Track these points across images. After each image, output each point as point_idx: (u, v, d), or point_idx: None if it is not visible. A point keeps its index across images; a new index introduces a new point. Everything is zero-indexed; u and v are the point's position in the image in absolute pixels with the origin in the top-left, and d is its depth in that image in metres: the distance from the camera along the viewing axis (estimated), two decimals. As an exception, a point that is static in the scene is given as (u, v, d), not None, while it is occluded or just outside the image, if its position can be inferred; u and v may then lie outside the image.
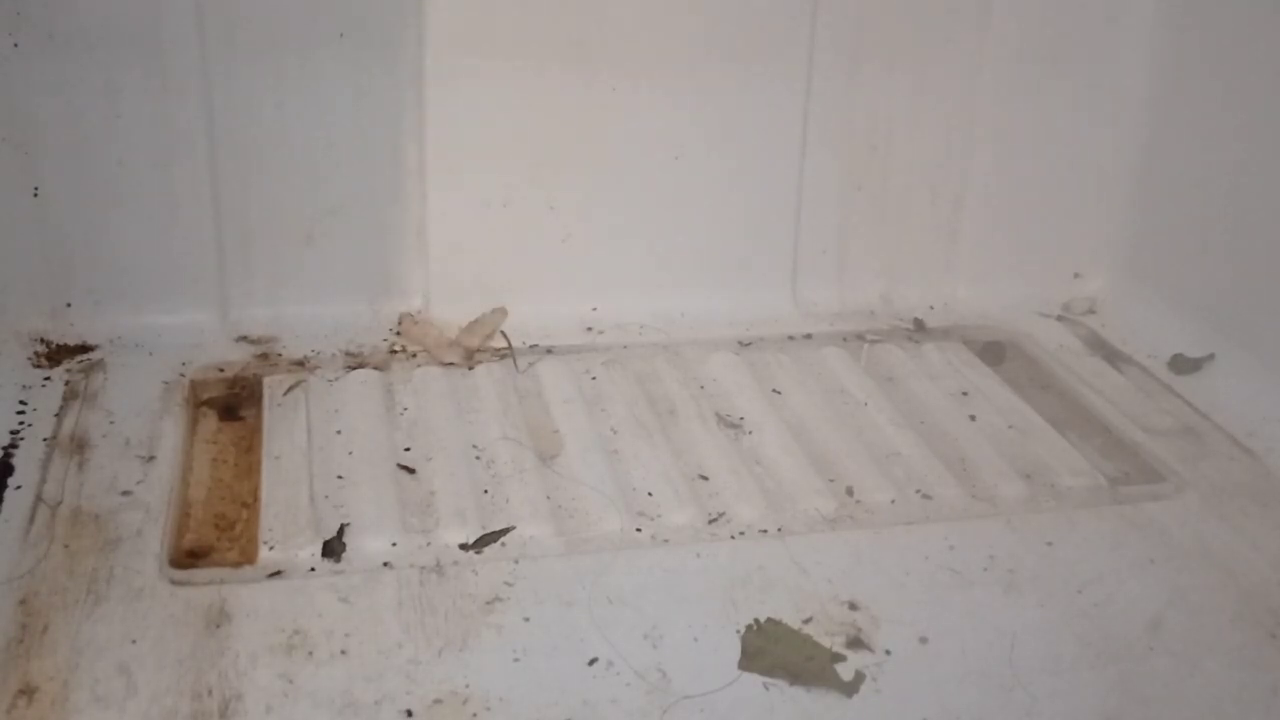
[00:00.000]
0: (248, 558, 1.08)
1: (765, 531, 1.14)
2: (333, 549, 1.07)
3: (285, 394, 1.31)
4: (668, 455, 1.25)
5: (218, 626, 0.96)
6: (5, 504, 1.10)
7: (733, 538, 1.13)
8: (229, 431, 1.29)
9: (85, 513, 1.09)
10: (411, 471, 1.21)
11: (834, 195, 1.57)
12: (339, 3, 1.36)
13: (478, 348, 1.44)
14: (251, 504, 1.16)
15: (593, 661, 0.95)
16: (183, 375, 1.34)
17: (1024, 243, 1.64)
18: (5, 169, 1.33)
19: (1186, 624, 1.04)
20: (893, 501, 1.20)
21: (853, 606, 1.03)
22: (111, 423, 1.24)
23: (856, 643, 0.99)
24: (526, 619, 1.00)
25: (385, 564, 1.06)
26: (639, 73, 1.46)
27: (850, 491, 1.21)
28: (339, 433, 1.25)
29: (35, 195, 1.35)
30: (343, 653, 0.95)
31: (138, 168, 1.37)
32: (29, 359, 1.34)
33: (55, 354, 1.36)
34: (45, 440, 1.20)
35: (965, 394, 1.42)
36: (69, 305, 1.40)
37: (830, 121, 1.54)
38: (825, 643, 0.98)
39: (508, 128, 1.45)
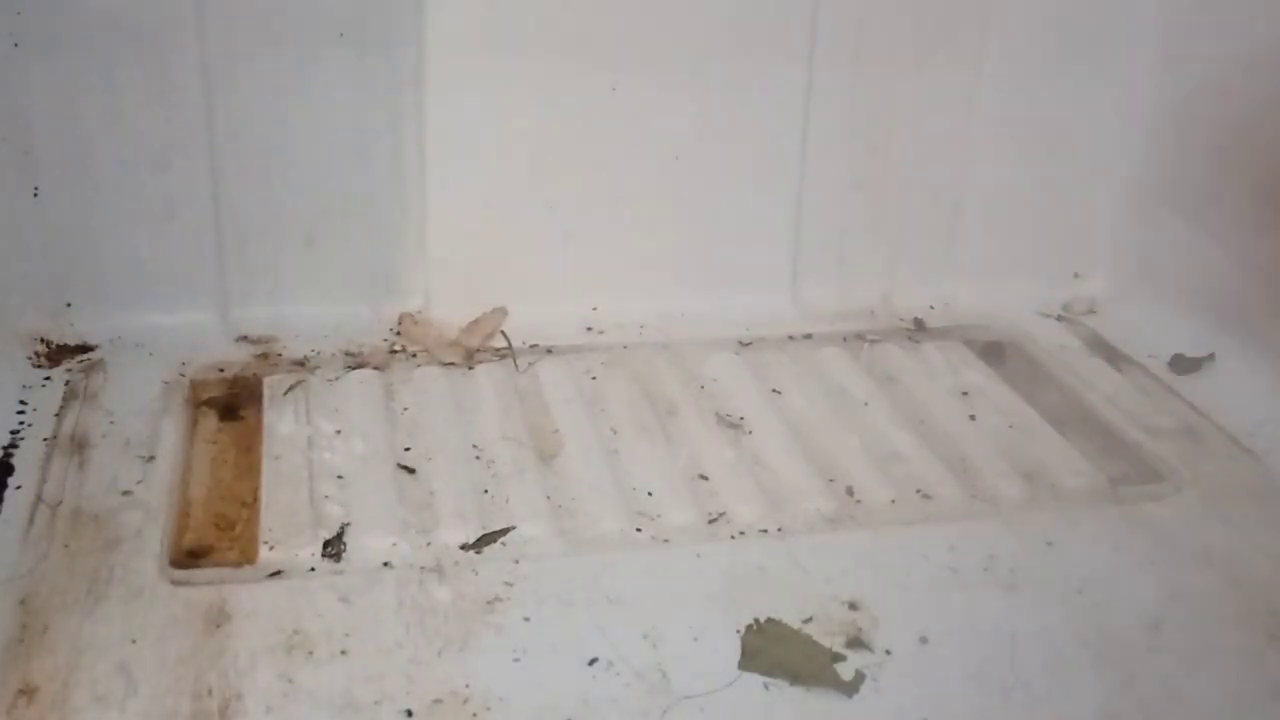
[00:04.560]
0: (248, 558, 1.08)
1: (765, 531, 1.14)
2: (333, 549, 1.07)
3: (285, 394, 1.31)
4: (668, 455, 1.25)
5: (218, 626, 0.96)
6: (5, 504, 1.10)
7: (733, 538, 1.13)
8: (229, 431, 1.29)
9: (85, 513, 1.09)
10: (411, 471, 1.21)
11: (834, 195, 1.57)
12: (339, 3, 1.35)
13: (478, 348, 1.44)
14: (251, 504, 1.16)
15: (593, 661, 0.95)
16: (183, 375, 1.34)
17: (1024, 243, 1.64)
18: (5, 169, 1.33)
19: (1186, 624, 1.04)
20: (893, 501, 1.20)
21: (853, 606, 1.03)
22: (111, 423, 1.24)
23: (856, 643, 0.99)
24: (526, 619, 1.00)
25: (385, 564, 1.06)
26: (639, 72, 1.46)
27: (850, 491, 1.21)
28: (339, 433, 1.25)
29: (35, 195, 1.35)
30: (343, 653, 0.95)
31: (138, 168, 1.37)
32: (29, 359, 1.34)
33: (55, 354, 1.36)
34: (45, 440, 1.20)
35: (965, 394, 1.42)
36: (69, 305, 1.40)
37: (830, 121, 1.53)
38: (825, 643, 0.98)
39: (508, 127, 1.45)
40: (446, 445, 1.24)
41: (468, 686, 0.92)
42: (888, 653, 0.98)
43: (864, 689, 0.94)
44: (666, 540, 1.12)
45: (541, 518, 1.13)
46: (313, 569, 1.05)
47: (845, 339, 1.53)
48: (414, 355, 1.43)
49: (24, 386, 1.29)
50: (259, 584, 1.03)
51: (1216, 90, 1.48)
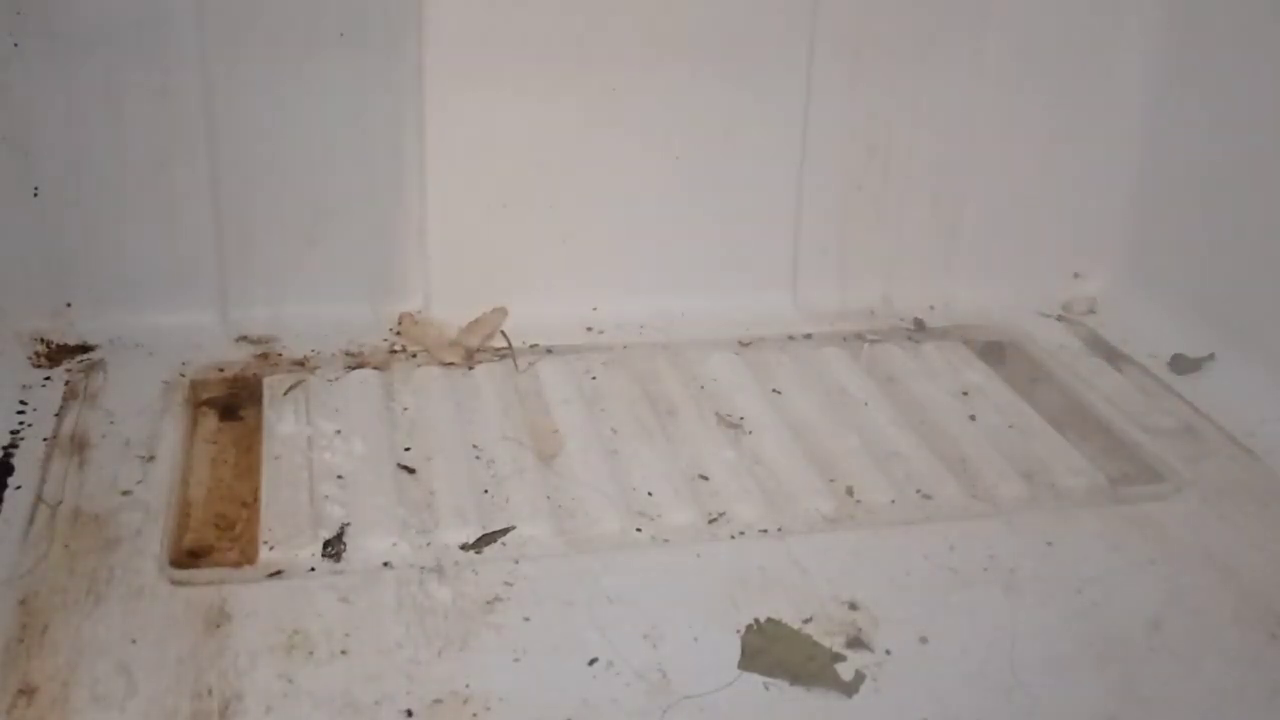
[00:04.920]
0: (248, 558, 1.08)
1: (765, 531, 1.14)
2: (333, 549, 1.07)
3: (285, 394, 1.31)
4: (668, 455, 1.25)
5: (218, 626, 0.96)
6: (5, 504, 1.10)
7: (733, 538, 1.13)
8: (229, 431, 1.29)
9: (85, 513, 1.09)
10: (411, 471, 1.21)
11: (834, 195, 1.57)
12: (339, 3, 1.36)
13: (478, 348, 1.44)
14: (251, 504, 1.16)
15: (593, 661, 0.95)
16: (183, 375, 1.34)
17: (1024, 243, 1.64)
18: (5, 169, 1.33)
19: (1186, 624, 1.04)
20: (893, 501, 1.20)
21: (853, 606, 1.03)
22: (111, 423, 1.24)
23: (856, 643, 0.99)
24: (526, 619, 1.00)
25: (385, 564, 1.06)
26: (639, 73, 1.46)
27: (850, 491, 1.21)
28: (339, 433, 1.25)
29: (35, 195, 1.35)
30: (343, 653, 0.95)
31: (138, 168, 1.37)
32: (29, 359, 1.34)
33: (55, 354, 1.36)
34: (45, 440, 1.20)
35: (965, 394, 1.42)
36: (69, 305, 1.40)
37: (830, 122, 1.54)
38: (825, 643, 0.98)
39: (507, 128, 1.45)
40: (446, 445, 1.24)
41: (468, 686, 0.92)
42: (888, 653, 0.98)
43: (864, 689, 0.94)
44: (666, 540, 1.12)
45: (541, 518, 1.13)
46: (313, 569, 1.05)
47: (845, 339, 1.53)
48: (414, 355, 1.43)
49: (24, 386, 1.29)
50: (259, 584, 1.03)
51: (1217, 89, 1.48)
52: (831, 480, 1.23)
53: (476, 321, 1.47)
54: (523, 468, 1.21)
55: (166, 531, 1.08)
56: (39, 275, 1.38)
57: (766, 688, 0.94)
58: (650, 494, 1.19)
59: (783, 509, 1.18)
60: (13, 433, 1.21)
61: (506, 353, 1.43)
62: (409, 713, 0.89)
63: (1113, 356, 1.52)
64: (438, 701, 0.90)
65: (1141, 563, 1.11)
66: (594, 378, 1.40)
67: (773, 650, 0.97)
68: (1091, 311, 1.63)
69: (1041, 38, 1.55)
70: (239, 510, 1.16)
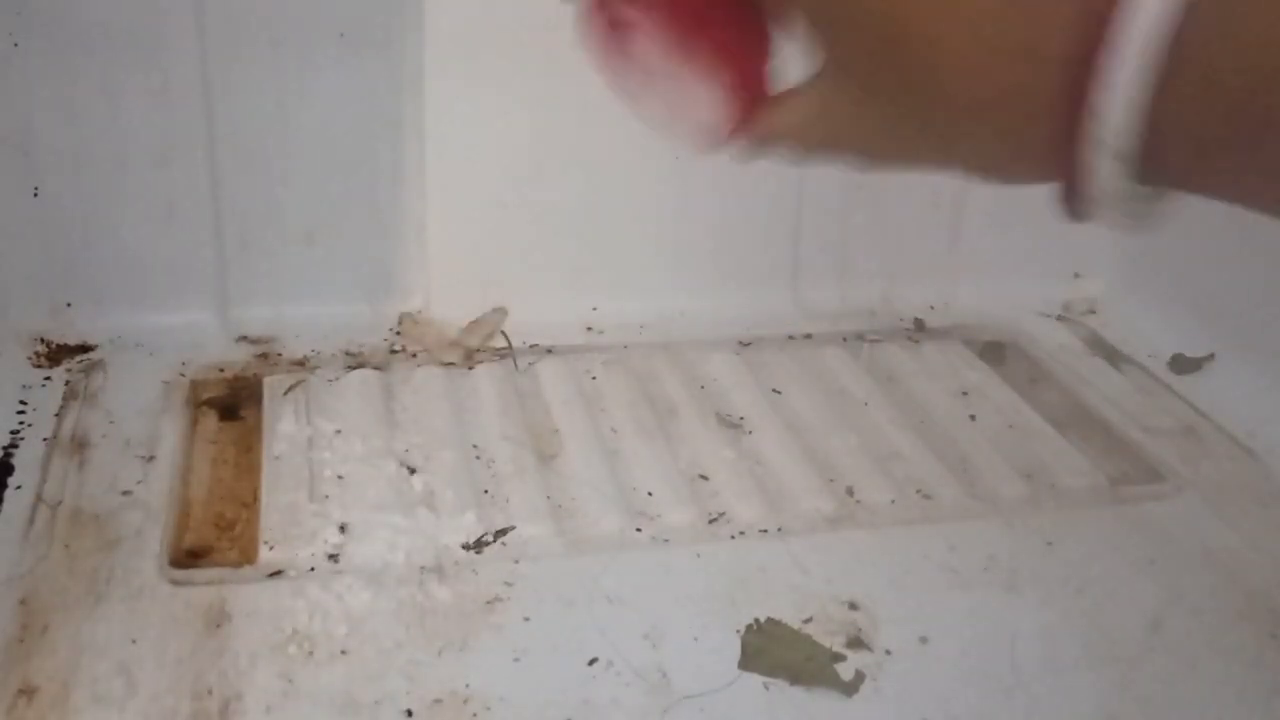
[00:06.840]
0: (248, 558, 1.08)
1: (765, 531, 1.14)
2: (333, 549, 1.07)
3: (285, 394, 1.31)
4: (668, 455, 1.25)
5: (218, 626, 0.96)
6: (5, 504, 1.10)
7: (733, 538, 1.13)
8: (229, 431, 1.29)
9: (85, 513, 1.09)
10: (412, 471, 1.21)
11: (834, 195, 1.57)
12: (339, 3, 1.35)
13: (478, 348, 1.44)
14: (251, 504, 1.16)
15: (593, 661, 0.95)
16: (183, 375, 1.34)
17: (1024, 243, 1.64)
18: (5, 169, 1.33)
19: (1186, 624, 1.04)
20: (893, 501, 1.20)
21: (853, 606, 1.03)
22: (111, 423, 1.24)
23: (856, 643, 0.99)
24: (526, 619, 1.00)
25: (385, 564, 1.06)
26: (639, 73, 1.46)
27: (850, 491, 1.21)
28: (339, 433, 1.25)
29: (35, 195, 1.35)
30: (343, 653, 0.95)
31: (138, 168, 1.37)
32: (29, 359, 1.34)
33: (55, 354, 1.36)
34: (45, 440, 1.20)
35: (965, 394, 1.42)
36: (69, 305, 1.40)
37: (830, 121, 1.53)
38: (825, 643, 0.98)
39: (508, 127, 1.45)
40: (446, 445, 1.24)
41: (468, 686, 0.92)
42: (888, 653, 0.98)
43: (864, 689, 0.94)
44: (666, 540, 1.12)
45: (541, 518, 1.13)
46: (313, 569, 1.05)
47: (845, 339, 1.53)
48: (414, 355, 1.43)
49: (24, 386, 1.29)
50: (259, 584, 1.03)
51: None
52: (831, 480, 1.23)
53: (476, 321, 1.47)
54: (523, 468, 1.21)
55: (166, 531, 1.08)
56: (39, 275, 1.38)
57: (766, 688, 0.94)
58: (650, 494, 1.19)
59: (783, 509, 1.18)
60: (13, 433, 1.21)
61: (506, 353, 1.43)
62: (409, 713, 0.89)
63: (1113, 356, 1.52)
64: (438, 701, 0.90)
65: (1141, 563, 1.11)
66: (594, 378, 1.40)
67: (773, 650, 0.97)
68: (1091, 311, 1.63)
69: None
70: (239, 510, 1.16)
